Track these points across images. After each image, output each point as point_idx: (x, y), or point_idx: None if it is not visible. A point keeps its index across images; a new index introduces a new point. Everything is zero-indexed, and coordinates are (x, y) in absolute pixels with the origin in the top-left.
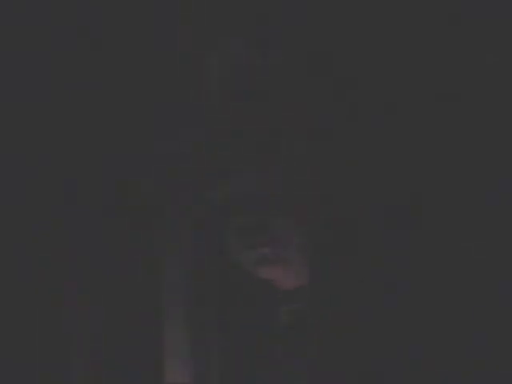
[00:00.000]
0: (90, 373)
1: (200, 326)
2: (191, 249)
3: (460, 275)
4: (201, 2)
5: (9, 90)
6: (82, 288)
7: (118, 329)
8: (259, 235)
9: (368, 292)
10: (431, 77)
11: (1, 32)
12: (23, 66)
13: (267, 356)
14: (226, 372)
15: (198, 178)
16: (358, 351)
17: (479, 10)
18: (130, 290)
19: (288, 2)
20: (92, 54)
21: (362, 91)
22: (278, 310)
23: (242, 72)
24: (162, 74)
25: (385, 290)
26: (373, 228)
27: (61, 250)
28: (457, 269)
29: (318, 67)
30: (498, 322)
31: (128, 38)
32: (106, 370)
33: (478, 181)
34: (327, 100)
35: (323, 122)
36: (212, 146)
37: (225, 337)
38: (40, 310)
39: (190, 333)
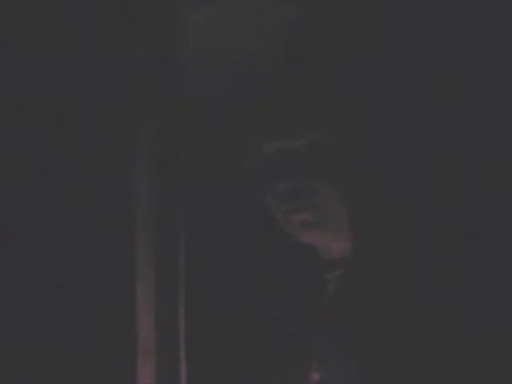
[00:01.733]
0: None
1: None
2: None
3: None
4: None
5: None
6: None
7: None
8: (299, 200)
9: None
10: (431, 76)
11: None
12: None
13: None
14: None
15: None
16: (405, 320)
17: (479, 10)
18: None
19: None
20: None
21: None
22: (322, 278)
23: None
24: None
25: (425, 260)
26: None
27: None
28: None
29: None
30: (498, 322)
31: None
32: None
33: (478, 179)
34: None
35: None
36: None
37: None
38: None
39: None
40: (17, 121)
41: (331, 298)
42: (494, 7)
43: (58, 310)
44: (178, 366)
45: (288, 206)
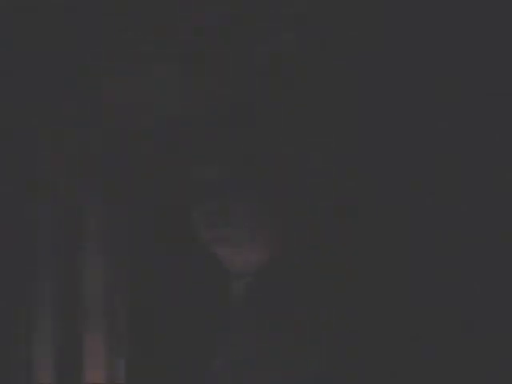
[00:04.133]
0: None
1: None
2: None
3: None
4: None
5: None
6: None
7: None
8: (219, 218)
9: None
10: (430, 75)
11: None
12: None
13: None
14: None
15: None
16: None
17: (479, 10)
18: None
19: None
20: None
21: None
22: (229, 286)
23: None
24: None
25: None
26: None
27: None
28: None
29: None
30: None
31: None
32: None
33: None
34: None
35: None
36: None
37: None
38: None
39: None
40: None
41: (237, 304)
42: (494, 7)
43: None
44: None
45: (208, 222)
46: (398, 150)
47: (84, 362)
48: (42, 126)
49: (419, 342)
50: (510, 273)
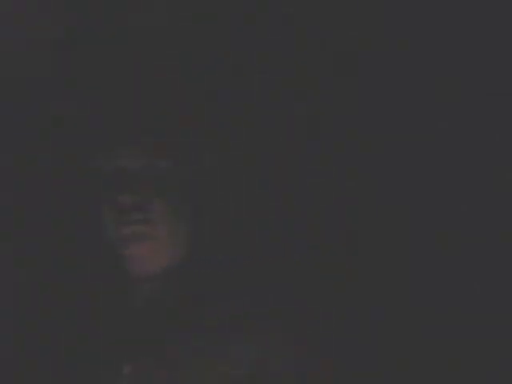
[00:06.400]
0: None
1: None
2: None
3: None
4: None
5: None
6: None
7: None
8: (134, 213)
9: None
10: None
11: None
12: None
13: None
14: None
15: None
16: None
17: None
18: None
19: None
20: None
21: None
22: (136, 290)
23: None
24: None
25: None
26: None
27: None
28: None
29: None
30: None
31: None
32: None
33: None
34: None
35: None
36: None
37: None
38: None
39: None
40: None
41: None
42: (494, 7)
43: None
44: None
45: (122, 217)
46: (398, 150)
47: None
48: None
49: (419, 342)
50: (510, 273)
